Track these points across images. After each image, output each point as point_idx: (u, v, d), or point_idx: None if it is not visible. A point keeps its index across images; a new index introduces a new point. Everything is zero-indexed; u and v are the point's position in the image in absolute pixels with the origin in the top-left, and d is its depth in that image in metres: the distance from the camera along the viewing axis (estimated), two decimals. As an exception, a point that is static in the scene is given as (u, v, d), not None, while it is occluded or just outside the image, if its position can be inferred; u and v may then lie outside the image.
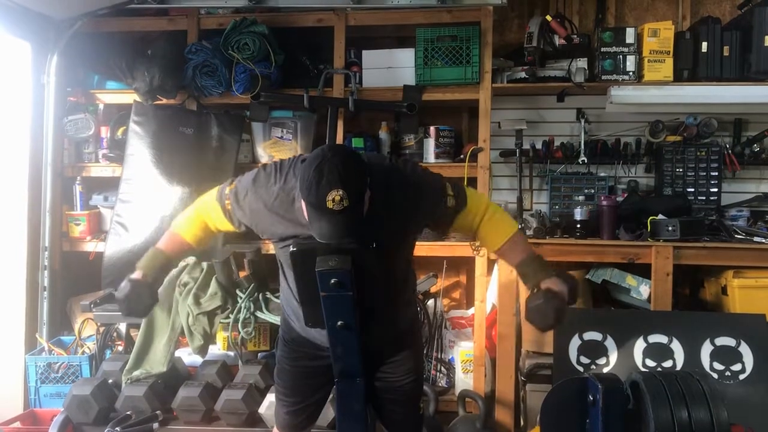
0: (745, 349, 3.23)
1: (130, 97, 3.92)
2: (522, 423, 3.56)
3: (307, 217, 2.03)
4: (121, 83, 3.98)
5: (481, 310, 3.75)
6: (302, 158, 2.15)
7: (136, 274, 2.37)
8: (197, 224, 2.43)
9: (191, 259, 3.53)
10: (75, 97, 4.00)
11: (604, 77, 3.73)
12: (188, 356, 3.64)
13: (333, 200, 1.91)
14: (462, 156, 3.85)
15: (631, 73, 3.70)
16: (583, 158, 3.94)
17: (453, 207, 2.27)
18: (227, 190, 2.32)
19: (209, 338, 3.36)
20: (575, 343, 3.34)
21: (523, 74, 3.81)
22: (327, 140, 3.77)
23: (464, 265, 4.15)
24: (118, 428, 3.03)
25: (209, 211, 2.38)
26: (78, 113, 3.95)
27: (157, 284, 2.44)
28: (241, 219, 2.30)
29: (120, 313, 2.43)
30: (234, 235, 2.76)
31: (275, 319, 3.30)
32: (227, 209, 2.31)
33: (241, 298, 3.41)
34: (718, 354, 3.25)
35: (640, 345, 3.29)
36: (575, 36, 3.75)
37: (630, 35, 3.71)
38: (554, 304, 2.22)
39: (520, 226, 2.32)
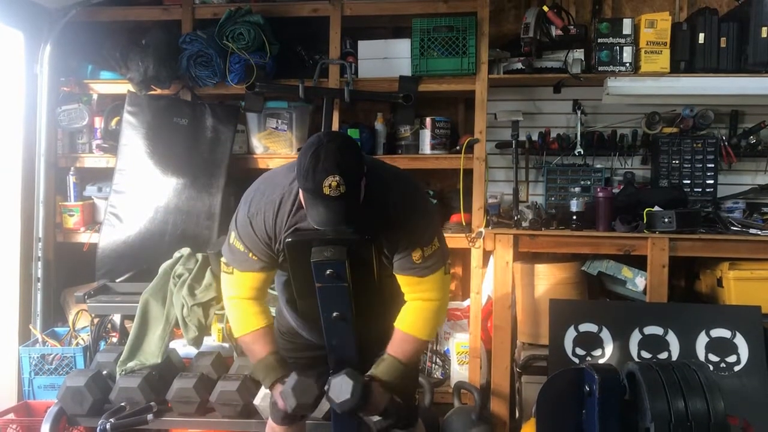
0: (740, 341, 3.24)
1: (124, 87, 3.90)
2: (517, 414, 3.57)
3: (304, 205, 2.01)
4: (115, 73, 3.95)
5: (477, 301, 3.74)
6: (297, 151, 2.11)
7: (277, 388, 2.23)
8: (249, 309, 2.28)
9: (186, 251, 3.52)
10: (68, 87, 3.97)
11: (600, 68, 3.72)
12: (183, 348, 3.62)
13: (330, 186, 1.89)
14: (458, 147, 3.84)
15: (627, 65, 3.69)
16: (579, 150, 3.92)
17: (415, 263, 2.15)
18: (237, 246, 2.19)
19: (204, 330, 3.34)
20: (571, 334, 3.34)
21: (519, 65, 3.79)
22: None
23: (460, 256, 4.14)
24: (112, 420, 3.01)
25: (243, 285, 2.26)
26: (71, 103, 3.92)
27: (292, 372, 2.24)
28: (267, 250, 2.17)
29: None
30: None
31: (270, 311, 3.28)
32: (253, 260, 2.19)
33: (236, 289, 3.39)
34: (713, 345, 3.26)
35: (635, 337, 3.30)
36: (572, 27, 3.74)
37: (627, 26, 3.70)
38: (353, 394, 2.10)
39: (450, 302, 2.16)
